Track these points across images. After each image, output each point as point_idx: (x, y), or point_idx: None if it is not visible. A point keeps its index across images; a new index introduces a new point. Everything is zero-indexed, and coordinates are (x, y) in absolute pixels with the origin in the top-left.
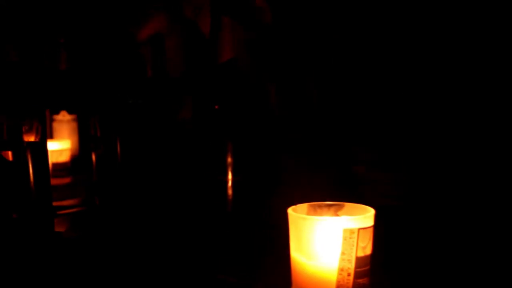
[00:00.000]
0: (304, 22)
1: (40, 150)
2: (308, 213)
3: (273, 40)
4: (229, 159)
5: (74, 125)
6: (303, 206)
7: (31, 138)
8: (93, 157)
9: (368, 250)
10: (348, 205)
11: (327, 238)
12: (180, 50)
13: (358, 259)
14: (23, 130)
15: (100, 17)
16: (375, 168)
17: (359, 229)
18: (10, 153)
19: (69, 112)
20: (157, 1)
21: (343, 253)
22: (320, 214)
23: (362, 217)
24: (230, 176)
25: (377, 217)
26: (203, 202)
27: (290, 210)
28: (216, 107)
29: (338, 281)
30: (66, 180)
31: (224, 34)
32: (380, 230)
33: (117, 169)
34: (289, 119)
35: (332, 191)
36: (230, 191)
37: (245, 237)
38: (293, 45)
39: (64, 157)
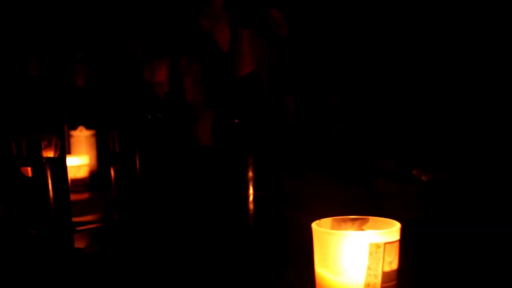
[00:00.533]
0: (321, 35)
1: (60, 166)
2: (332, 228)
3: (290, 54)
4: (250, 174)
5: (92, 140)
6: (327, 221)
7: (50, 154)
8: (112, 172)
9: (395, 265)
10: (373, 219)
11: (352, 253)
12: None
13: (385, 274)
14: (42, 145)
15: (118, 35)
16: (395, 181)
17: (385, 243)
18: (29, 169)
19: (87, 128)
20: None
21: (369, 268)
22: (345, 229)
23: (388, 231)
24: (251, 191)
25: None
26: (224, 217)
27: (314, 225)
28: (236, 121)
29: None
30: (85, 195)
31: (244, 47)
32: (404, 243)
33: (136, 184)
34: (307, 132)
35: (353, 205)
36: (251, 206)
37: (267, 253)
38: (310, 58)
39: (83, 173)
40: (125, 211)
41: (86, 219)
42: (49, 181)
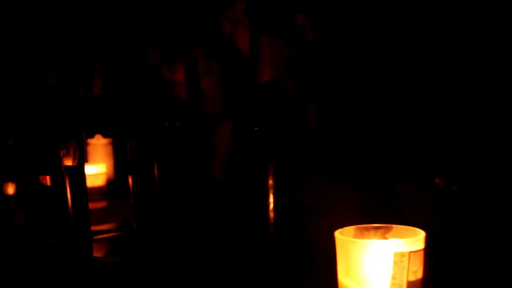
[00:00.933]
0: (347, 40)
1: (78, 174)
2: (355, 236)
3: (314, 59)
4: (271, 182)
5: (109, 148)
6: (350, 229)
7: (68, 162)
8: (130, 180)
9: (419, 274)
10: (396, 227)
11: (377, 262)
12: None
13: (410, 284)
14: (61, 154)
15: (134, 44)
16: (416, 187)
17: (410, 252)
18: (48, 177)
19: (104, 136)
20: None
21: (393, 278)
22: (368, 237)
23: (413, 239)
24: (271, 199)
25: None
26: (244, 226)
27: (337, 234)
28: (256, 128)
29: None
30: (102, 204)
31: (264, 53)
32: (428, 252)
33: (155, 192)
34: (327, 138)
35: (374, 212)
36: (271, 215)
37: (289, 262)
38: (335, 63)
39: (100, 181)
40: (143, 219)
41: (104, 228)
42: (68, 190)
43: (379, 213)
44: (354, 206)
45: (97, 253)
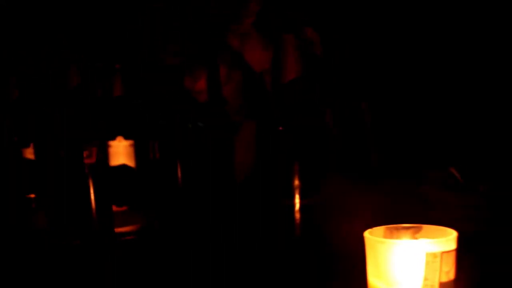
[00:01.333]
0: (355, 52)
1: (102, 176)
2: (384, 237)
3: (323, 71)
4: (296, 182)
5: (130, 150)
6: (379, 230)
7: (91, 163)
8: (153, 181)
9: (452, 275)
10: (427, 227)
11: (408, 263)
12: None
13: (442, 285)
14: (84, 156)
15: (156, 46)
16: (445, 189)
17: (442, 252)
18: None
19: (126, 138)
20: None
21: (426, 279)
22: (397, 238)
23: (445, 239)
24: (297, 199)
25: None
26: (269, 227)
27: (367, 234)
28: (280, 128)
29: None
30: (124, 205)
31: (288, 53)
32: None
33: (178, 193)
34: (349, 140)
35: (400, 213)
36: (297, 215)
37: (315, 264)
38: (345, 74)
39: None
40: (166, 220)
41: (126, 230)
42: (91, 191)
43: (405, 214)
44: (380, 207)
45: (119, 254)
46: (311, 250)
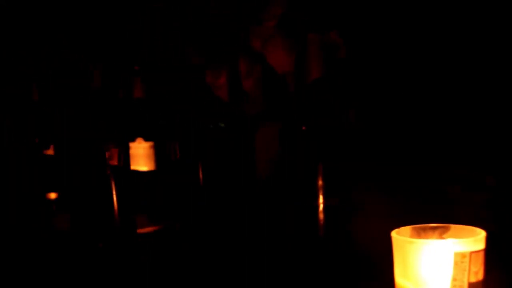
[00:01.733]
0: (378, 55)
1: (124, 177)
2: (411, 237)
3: (347, 74)
4: (320, 182)
5: (150, 151)
6: (406, 229)
7: (113, 164)
8: (173, 182)
9: (481, 276)
10: (454, 227)
11: (436, 263)
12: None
13: (471, 286)
14: (106, 157)
15: (177, 48)
16: (471, 188)
17: (471, 252)
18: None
19: (146, 139)
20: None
21: (454, 279)
22: (425, 237)
23: (473, 239)
24: (321, 200)
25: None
26: (293, 227)
27: (394, 234)
28: (304, 128)
29: None
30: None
31: (312, 53)
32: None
33: (199, 194)
34: (373, 139)
35: (425, 213)
36: (321, 216)
37: (340, 265)
38: (368, 77)
39: None
40: (187, 221)
41: (147, 230)
42: (114, 192)
43: (430, 214)
44: (403, 207)
45: (141, 253)
46: (336, 250)
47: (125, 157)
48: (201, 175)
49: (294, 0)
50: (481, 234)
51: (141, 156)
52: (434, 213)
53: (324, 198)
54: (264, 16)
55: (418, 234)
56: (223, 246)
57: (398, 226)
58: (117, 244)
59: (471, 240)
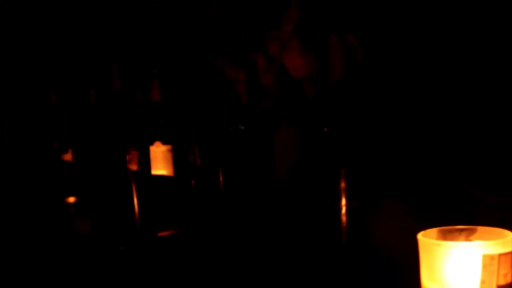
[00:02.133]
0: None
1: (144, 180)
2: (437, 239)
3: (365, 77)
4: (343, 184)
5: (168, 155)
6: (432, 232)
7: (134, 168)
8: (193, 186)
9: (509, 278)
10: (481, 229)
11: (463, 266)
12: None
13: None
14: (127, 160)
15: (198, 52)
16: (493, 191)
17: (500, 254)
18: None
19: (164, 143)
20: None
21: (483, 282)
22: (451, 239)
23: (502, 241)
24: (343, 202)
25: None
26: (315, 230)
27: (420, 236)
28: (325, 129)
29: None
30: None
31: (333, 53)
32: None
33: (219, 197)
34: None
35: (447, 215)
36: (344, 218)
37: (364, 267)
38: (386, 77)
39: None
40: (206, 223)
41: (166, 233)
42: (134, 195)
43: (452, 216)
44: (425, 209)
45: (160, 256)
46: (359, 252)
47: (145, 161)
48: (221, 178)
49: (311, 4)
50: (510, 236)
51: (159, 160)
52: (457, 215)
53: (347, 200)
54: (281, 20)
55: (445, 236)
56: (243, 249)
57: (420, 228)
58: (138, 247)
59: (499, 242)
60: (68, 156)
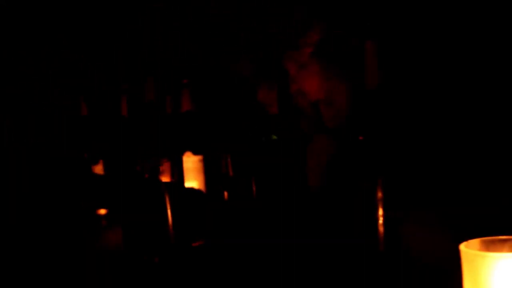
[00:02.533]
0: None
1: (178, 191)
2: (480, 250)
3: (402, 85)
4: (380, 194)
5: (199, 165)
6: (475, 242)
7: (167, 179)
8: (225, 196)
9: None
10: None
11: (508, 278)
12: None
13: None
14: (160, 171)
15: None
16: None
17: None
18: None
19: (195, 153)
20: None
21: None
22: (494, 251)
23: None
24: (381, 212)
25: None
26: (352, 240)
27: (463, 247)
28: (361, 138)
29: None
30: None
31: (370, 58)
32: None
33: (252, 207)
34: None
35: (491, 225)
36: (381, 228)
37: (405, 280)
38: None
39: None
40: (239, 234)
41: (199, 244)
42: (168, 207)
43: (494, 226)
44: (465, 219)
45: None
46: (399, 265)
47: (179, 171)
48: (254, 188)
49: (333, 25)
50: None
51: (190, 170)
52: (498, 225)
53: (384, 210)
54: (301, 41)
55: (487, 247)
56: (278, 258)
57: (459, 238)
58: (172, 258)
59: None
60: (99, 168)
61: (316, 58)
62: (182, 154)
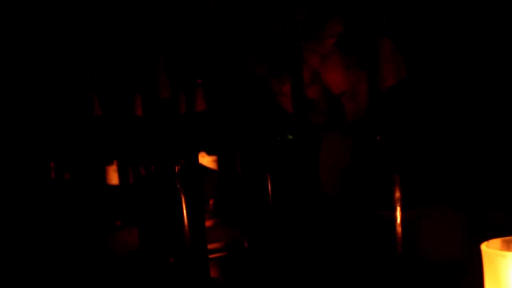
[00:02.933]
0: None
1: (194, 193)
2: (501, 249)
3: (420, 83)
4: (397, 194)
5: (213, 166)
6: (496, 242)
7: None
8: (239, 198)
9: None
10: None
11: None
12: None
13: None
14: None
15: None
16: None
17: None
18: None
19: (209, 153)
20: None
21: None
22: None
23: None
24: (398, 212)
25: None
26: (368, 242)
27: (484, 247)
28: (378, 137)
29: None
30: (209, 222)
31: (386, 56)
32: None
33: (268, 210)
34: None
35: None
36: (399, 230)
37: (423, 280)
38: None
39: None
40: (256, 238)
41: (214, 247)
42: (184, 208)
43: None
44: (482, 218)
45: (210, 272)
46: (416, 267)
47: (195, 172)
48: (270, 191)
49: (354, 13)
50: None
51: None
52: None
53: (402, 210)
54: (324, 32)
55: (509, 246)
56: (289, 264)
57: (479, 239)
58: (188, 259)
59: None
60: (112, 168)
61: (339, 49)
62: (197, 154)
